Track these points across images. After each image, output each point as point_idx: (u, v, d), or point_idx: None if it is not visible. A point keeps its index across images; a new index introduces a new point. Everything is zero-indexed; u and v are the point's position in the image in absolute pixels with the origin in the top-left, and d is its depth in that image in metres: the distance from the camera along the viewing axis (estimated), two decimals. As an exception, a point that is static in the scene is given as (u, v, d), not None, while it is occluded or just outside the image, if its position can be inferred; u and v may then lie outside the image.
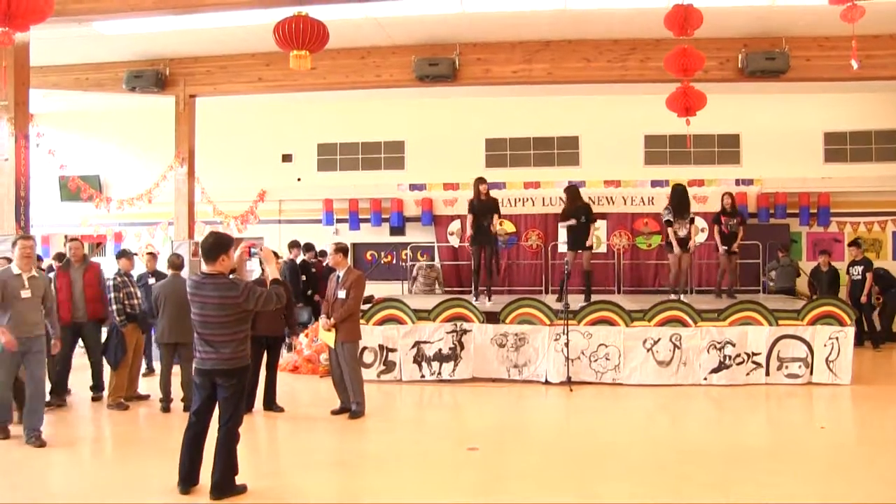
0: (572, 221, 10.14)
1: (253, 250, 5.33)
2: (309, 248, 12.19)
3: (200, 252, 4.76)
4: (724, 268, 10.92)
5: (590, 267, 10.43)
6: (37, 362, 6.25)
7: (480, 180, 10.21)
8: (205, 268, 4.76)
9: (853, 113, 13.33)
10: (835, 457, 5.89)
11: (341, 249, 7.42)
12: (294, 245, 11.95)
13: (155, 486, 5.08)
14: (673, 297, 10.02)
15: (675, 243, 10.34)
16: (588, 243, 10.22)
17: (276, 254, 6.00)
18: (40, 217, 11.00)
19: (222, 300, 4.64)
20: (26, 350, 6.13)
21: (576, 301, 9.37)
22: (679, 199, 10.41)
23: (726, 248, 10.70)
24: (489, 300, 10.06)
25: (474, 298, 9.99)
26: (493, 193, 13.48)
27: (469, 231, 10.13)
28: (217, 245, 4.71)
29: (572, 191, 10.48)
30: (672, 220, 10.35)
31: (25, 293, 6.14)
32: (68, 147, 13.56)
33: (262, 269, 6.26)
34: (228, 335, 4.68)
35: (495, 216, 10.00)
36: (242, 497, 4.77)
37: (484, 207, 10.02)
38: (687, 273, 10.71)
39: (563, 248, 11.52)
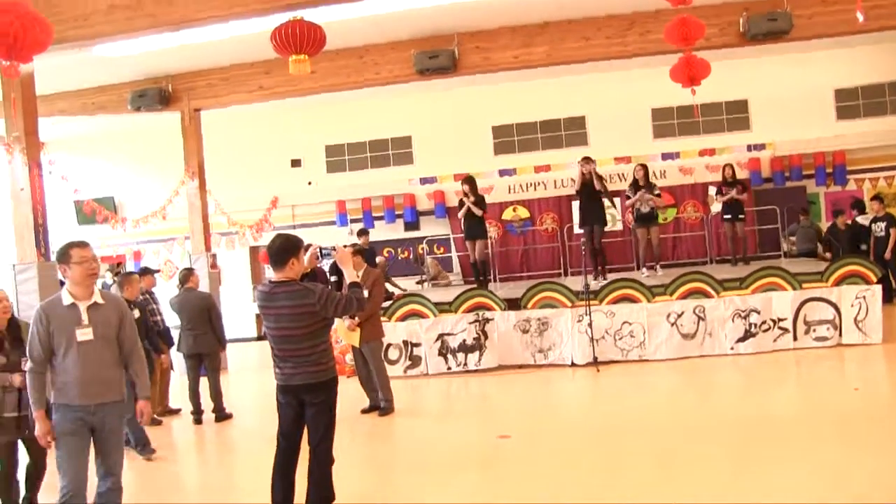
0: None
1: (324, 250, 4.82)
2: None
3: (268, 258, 4.24)
4: (731, 236, 11.14)
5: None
6: (111, 444, 3.99)
7: (586, 160, 10.07)
8: (274, 275, 4.25)
9: (863, 67, 13.10)
10: (870, 418, 5.82)
11: (358, 252, 7.35)
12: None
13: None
14: (644, 272, 10.24)
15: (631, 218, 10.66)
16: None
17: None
18: (59, 242, 11.14)
19: (297, 309, 4.11)
20: (96, 426, 3.94)
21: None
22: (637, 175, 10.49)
23: (729, 216, 10.96)
24: (604, 278, 9.87)
25: (593, 279, 9.75)
26: (504, 180, 13.60)
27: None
28: (285, 248, 4.17)
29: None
30: (630, 195, 10.44)
31: (84, 334, 3.89)
32: (80, 171, 13.73)
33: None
34: (308, 348, 4.15)
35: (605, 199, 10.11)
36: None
37: (587, 188, 9.97)
38: (658, 247, 10.71)
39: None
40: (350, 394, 8.33)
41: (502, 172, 13.62)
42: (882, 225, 11.41)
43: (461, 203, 10.32)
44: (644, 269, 10.50)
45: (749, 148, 13.05)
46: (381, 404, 7.29)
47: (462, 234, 13.45)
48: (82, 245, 4.04)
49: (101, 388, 3.90)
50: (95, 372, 3.87)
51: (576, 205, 13.13)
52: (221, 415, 7.74)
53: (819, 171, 13.12)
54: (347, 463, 5.69)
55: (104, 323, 3.94)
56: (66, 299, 3.92)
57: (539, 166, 13.55)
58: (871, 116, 13.16)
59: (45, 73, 8.69)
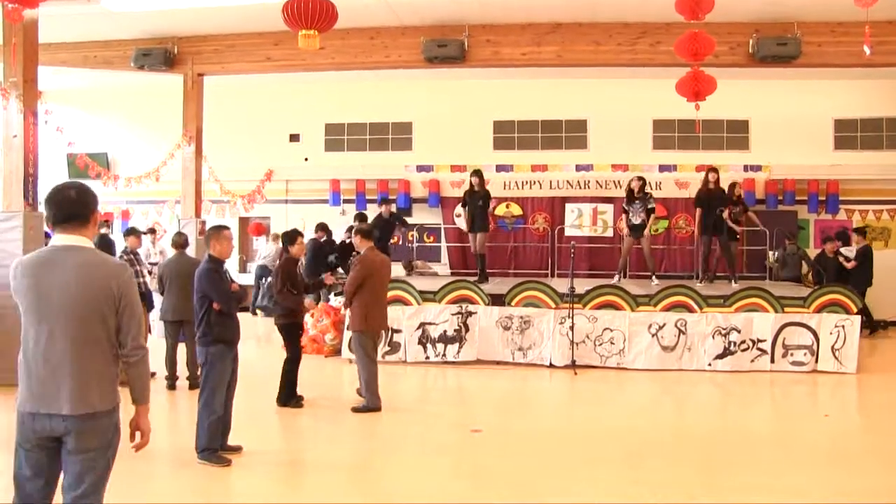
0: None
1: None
2: (322, 227, 12.21)
3: None
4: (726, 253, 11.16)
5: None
6: None
7: (712, 169, 10.57)
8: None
9: (864, 100, 13.20)
10: (838, 445, 5.92)
11: (359, 231, 7.09)
12: (321, 227, 12.11)
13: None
14: (614, 279, 10.36)
15: (626, 229, 10.64)
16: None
17: (299, 233, 6.70)
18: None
19: None
20: None
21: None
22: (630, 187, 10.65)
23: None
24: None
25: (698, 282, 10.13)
26: (501, 176, 13.59)
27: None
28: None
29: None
30: (626, 207, 10.55)
31: None
32: (76, 124, 13.57)
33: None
34: None
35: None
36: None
37: (713, 197, 10.35)
38: (650, 258, 10.90)
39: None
40: (326, 375, 8.34)
41: (499, 168, 13.63)
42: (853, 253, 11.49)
43: (474, 194, 10.10)
44: (616, 276, 10.67)
45: (746, 168, 13.12)
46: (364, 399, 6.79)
47: (453, 225, 13.57)
48: None
49: None
50: None
51: (582, 207, 13.42)
52: (195, 382, 7.69)
53: (812, 197, 13.22)
54: (314, 444, 5.72)
55: None
56: None
57: (536, 165, 13.56)
58: (868, 149, 13.26)
59: (49, 22, 8.58)
